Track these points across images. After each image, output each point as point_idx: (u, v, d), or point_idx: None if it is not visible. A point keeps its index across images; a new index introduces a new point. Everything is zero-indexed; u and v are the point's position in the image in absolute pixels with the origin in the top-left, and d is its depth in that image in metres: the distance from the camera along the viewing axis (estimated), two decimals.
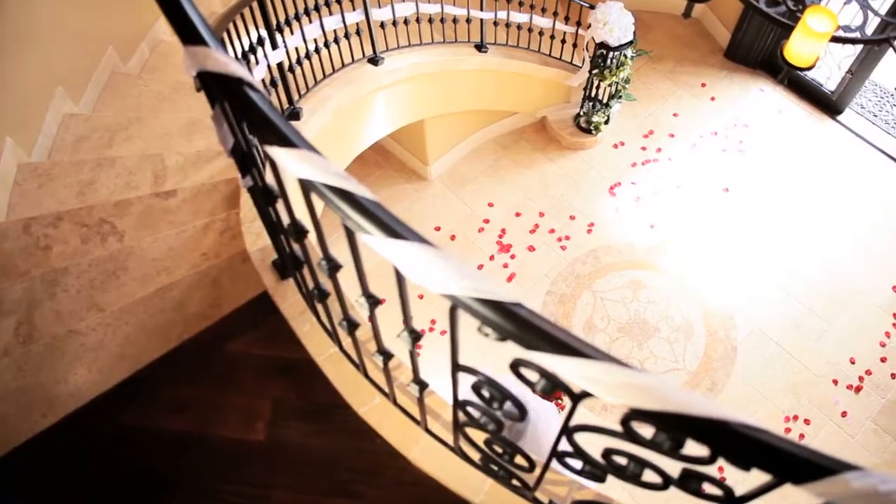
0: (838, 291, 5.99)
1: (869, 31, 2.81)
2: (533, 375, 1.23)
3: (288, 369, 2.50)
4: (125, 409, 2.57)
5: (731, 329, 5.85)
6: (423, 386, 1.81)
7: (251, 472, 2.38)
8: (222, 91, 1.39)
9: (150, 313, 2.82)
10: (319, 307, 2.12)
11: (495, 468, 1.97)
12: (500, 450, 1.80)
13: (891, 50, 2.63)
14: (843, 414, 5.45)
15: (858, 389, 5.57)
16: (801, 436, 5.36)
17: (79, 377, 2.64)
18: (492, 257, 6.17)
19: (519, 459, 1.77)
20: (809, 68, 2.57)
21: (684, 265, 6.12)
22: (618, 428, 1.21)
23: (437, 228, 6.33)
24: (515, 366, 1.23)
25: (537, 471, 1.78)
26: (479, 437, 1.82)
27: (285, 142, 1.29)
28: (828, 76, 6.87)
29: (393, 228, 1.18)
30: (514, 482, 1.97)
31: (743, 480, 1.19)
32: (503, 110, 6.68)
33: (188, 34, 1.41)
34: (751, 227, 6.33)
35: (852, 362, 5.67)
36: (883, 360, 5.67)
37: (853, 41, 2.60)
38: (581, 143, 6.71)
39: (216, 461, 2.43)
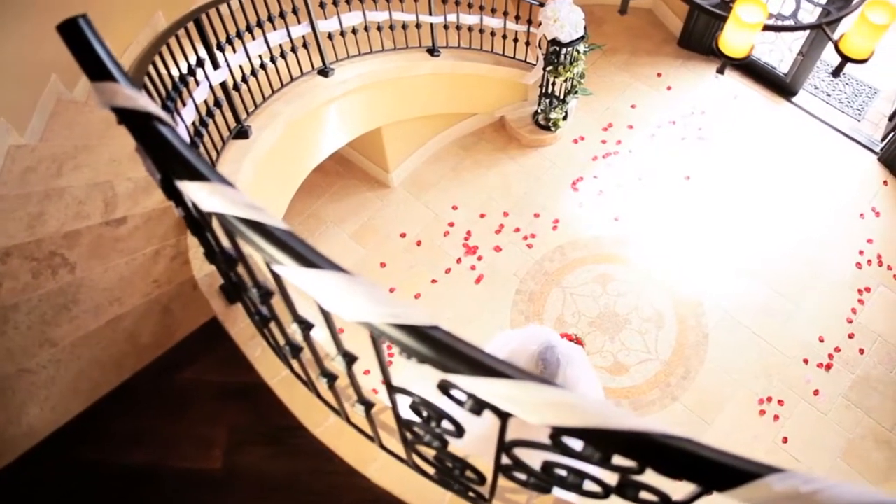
0: (804, 272, 6.05)
1: (810, 17, 2.84)
2: (462, 395, 1.22)
3: (242, 394, 2.48)
4: (80, 445, 2.53)
5: (701, 316, 5.89)
6: (368, 406, 1.79)
7: (211, 500, 2.35)
8: (131, 126, 1.36)
9: (102, 346, 2.78)
10: (267, 331, 2.10)
11: (450, 481, 1.96)
12: (450, 464, 1.79)
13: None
14: (816, 392, 5.50)
15: (829, 367, 5.62)
16: (776, 417, 5.41)
17: (31, 416, 2.59)
18: (459, 260, 6.15)
19: (469, 473, 1.76)
20: (745, 59, 2.59)
21: (651, 256, 6.15)
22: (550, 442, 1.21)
23: (403, 235, 6.31)
24: (444, 386, 1.22)
25: (488, 482, 1.77)
26: (431, 452, 1.81)
27: (195, 175, 1.26)
28: (780, 59, 6.93)
29: (306, 258, 1.16)
30: (471, 494, 1.96)
31: None
32: (461, 112, 6.67)
33: (95, 70, 1.38)
34: (714, 213, 6.37)
35: (821, 341, 5.73)
36: (850, 336, 5.74)
37: (786, 29, 2.61)
38: (541, 141, 6.72)
39: (175, 492, 2.39)
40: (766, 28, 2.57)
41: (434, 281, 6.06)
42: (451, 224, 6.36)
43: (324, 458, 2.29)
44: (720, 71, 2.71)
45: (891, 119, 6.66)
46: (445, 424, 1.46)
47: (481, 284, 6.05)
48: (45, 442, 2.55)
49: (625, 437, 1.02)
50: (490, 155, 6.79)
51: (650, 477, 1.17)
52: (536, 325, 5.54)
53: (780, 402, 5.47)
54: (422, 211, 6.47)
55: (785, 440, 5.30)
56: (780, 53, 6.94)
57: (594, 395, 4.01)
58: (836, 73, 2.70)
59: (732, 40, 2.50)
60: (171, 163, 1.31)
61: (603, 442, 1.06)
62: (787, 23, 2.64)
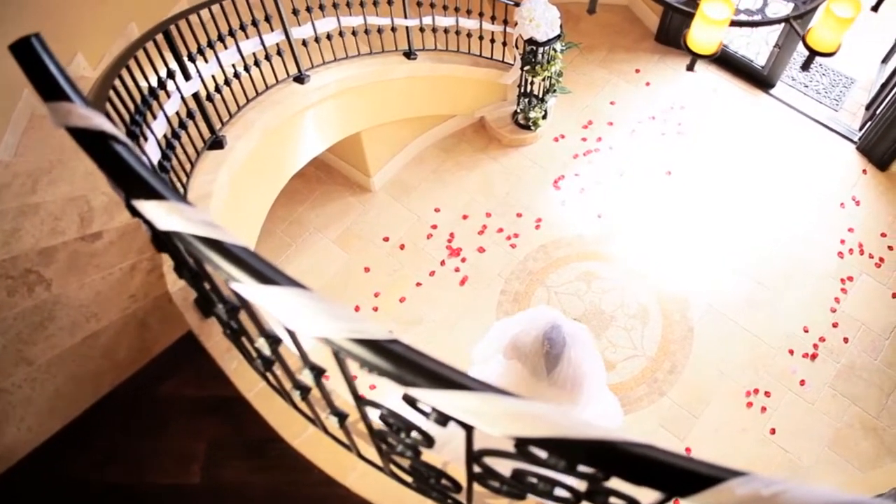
0: (786, 263, 6.08)
1: (786, 8, 2.84)
2: (427, 406, 1.21)
3: (219, 408, 2.46)
4: (58, 464, 2.51)
5: (686, 311, 5.90)
6: (342, 417, 1.79)
7: None
8: (86, 146, 1.35)
9: (79, 363, 2.75)
10: (240, 345, 2.08)
11: (428, 489, 1.95)
12: (425, 473, 1.78)
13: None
14: (802, 382, 5.52)
15: (814, 357, 5.64)
16: (764, 408, 5.42)
17: (8, 437, 2.56)
18: (443, 262, 6.14)
19: (444, 481, 1.75)
20: (713, 55, 2.59)
21: (634, 252, 6.16)
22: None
23: (386, 239, 6.30)
24: (409, 399, 1.22)
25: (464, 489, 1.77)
26: (406, 460, 1.80)
27: (151, 194, 1.25)
28: (757, 52, 6.96)
29: (265, 275, 1.15)
30: (449, 501, 1.95)
31: None
32: (440, 114, 6.66)
33: (48, 90, 1.37)
34: (696, 207, 6.39)
35: (806, 331, 5.75)
36: (835, 325, 5.76)
37: (753, 24, 2.62)
38: (521, 140, 6.72)
39: None
40: (734, 24, 2.57)
41: (418, 284, 6.05)
42: (434, 226, 6.35)
43: (303, 468, 2.27)
44: (690, 68, 2.71)
45: (868, 108, 6.70)
46: (415, 435, 1.45)
47: (466, 286, 6.04)
48: (22, 460, 2.53)
49: (587, 446, 1.02)
50: (471, 156, 6.78)
51: (619, 483, 1.16)
52: (541, 307, 5.55)
53: (767, 394, 5.49)
54: (404, 214, 6.46)
55: (773, 431, 5.32)
56: (756, 46, 6.97)
57: (598, 375, 4.04)
58: (805, 66, 2.71)
59: (700, 37, 2.51)
60: (127, 182, 1.29)
61: (565, 451, 1.05)
62: (754, 18, 2.65)
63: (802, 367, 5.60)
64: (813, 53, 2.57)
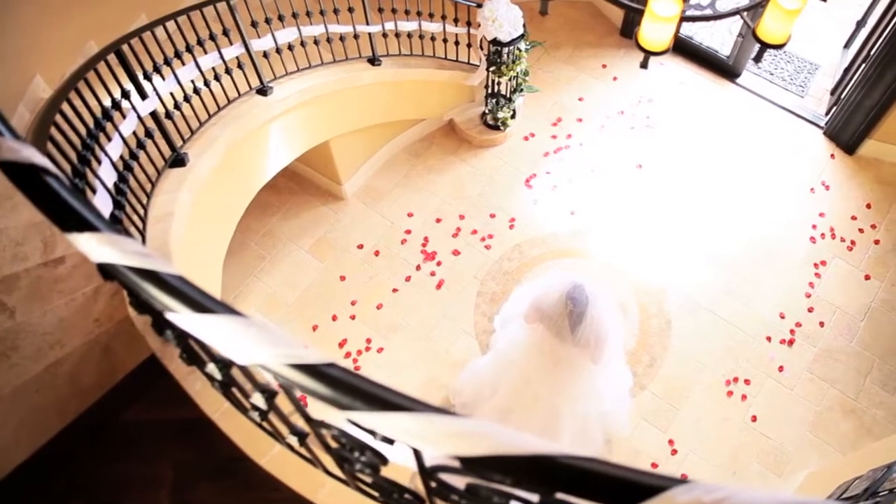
0: (760, 251, 6.11)
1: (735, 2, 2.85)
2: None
3: (186, 430, 2.44)
4: (24, 495, 2.47)
5: (662, 303, 5.91)
6: (301, 437, 1.77)
7: None
8: (16, 180, 1.32)
9: (42, 392, 2.71)
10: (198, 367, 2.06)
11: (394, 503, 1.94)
12: (387, 487, 1.77)
13: None
14: (780, 369, 5.56)
15: (791, 343, 5.68)
16: (744, 396, 5.45)
17: None
18: (418, 267, 6.13)
19: (407, 496, 1.74)
20: (665, 52, 2.60)
21: (609, 247, 6.18)
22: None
23: (360, 246, 6.28)
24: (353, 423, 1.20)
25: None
26: (367, 477, 1.79)
27: (84, 226, 1.23)
28: (721, 42, 7.00)
29: (200, 303, 1.14)
30: None
31: None
32: (409, 119, 6.64)
33: None
34: (668, 200, 6.41)
35: (782, 317, 5.79)
36: (810, 310, 5.80)
37: (704, 18, 2.62)
38: (491, 141, 6.71)
39: None
40: (685, 19, 2.58)
41: (395, 290, 6.03)
42: (408, 231, 6.33)
43: (272, 487, 2.25)
44: (643, 65, 2.72)
45: (833, 93, 6.76)
46: (369, 453, 1.44)
47: (442, 289, 6.03)
48: None
49: (528, 462, 1.01)
50: (442, 159, 6.77)
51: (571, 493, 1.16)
52: (558, 270, 5.59)
53: (747, 382, 5.51)
54: (377, 221, 6.44)
55: (754, 419, 5.35)
56: (720, 36, 7.01)
57: (619, 332, 4.21)
58: (757, 59, 2.72)
59: (650, 34, 2.51)
60: (57, 215, 1.27)
61: (507, 468, 1.04)
62: (705, 12, 2.65)
63: (780, 354, 5.63)
64: (764, 46, 2.58)
